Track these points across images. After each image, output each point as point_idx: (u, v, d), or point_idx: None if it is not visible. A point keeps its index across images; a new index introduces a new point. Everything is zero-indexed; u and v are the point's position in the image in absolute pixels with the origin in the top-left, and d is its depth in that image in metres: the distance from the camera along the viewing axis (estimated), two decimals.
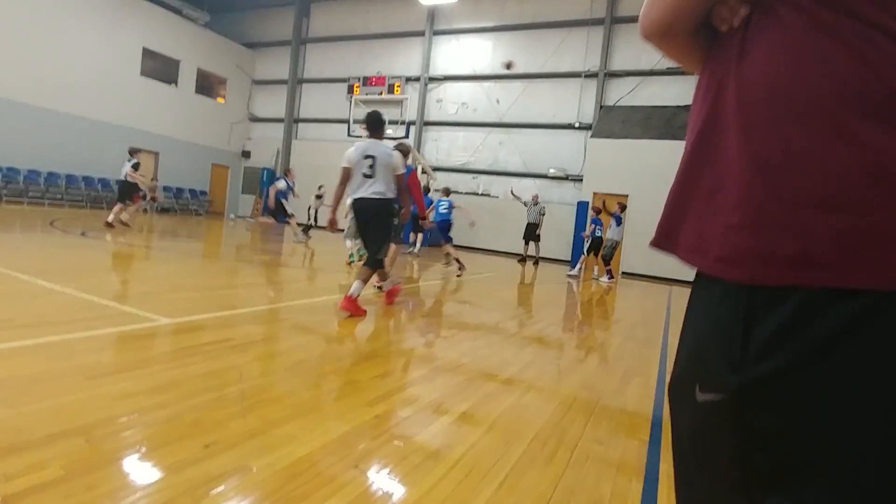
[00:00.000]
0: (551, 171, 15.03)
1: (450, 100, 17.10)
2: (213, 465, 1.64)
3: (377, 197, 4.30)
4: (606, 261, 10.72)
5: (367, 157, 4.31)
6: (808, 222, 0.60)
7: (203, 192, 19.58)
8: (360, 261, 9.78)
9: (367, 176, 4.30)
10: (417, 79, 17.46)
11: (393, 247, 5.98)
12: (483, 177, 16.37)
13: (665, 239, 0.77)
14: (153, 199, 16.62)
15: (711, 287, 0.69)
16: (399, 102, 16.66)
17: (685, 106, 12.62)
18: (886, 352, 0.58)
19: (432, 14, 17.29)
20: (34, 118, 14.45)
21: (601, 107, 14.53)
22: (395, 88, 17.02)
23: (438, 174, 16.39)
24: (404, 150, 6.01)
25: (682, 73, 11.69)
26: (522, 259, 12.92)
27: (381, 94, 17.01)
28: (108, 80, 16.15)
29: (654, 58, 13.39)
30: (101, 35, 15.87)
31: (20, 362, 2.33)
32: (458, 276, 8.70)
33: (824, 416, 0.60)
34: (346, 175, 4.36)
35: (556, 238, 14.19)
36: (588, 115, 14.78)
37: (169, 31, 18.01)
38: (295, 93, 20.17)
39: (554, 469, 1.91)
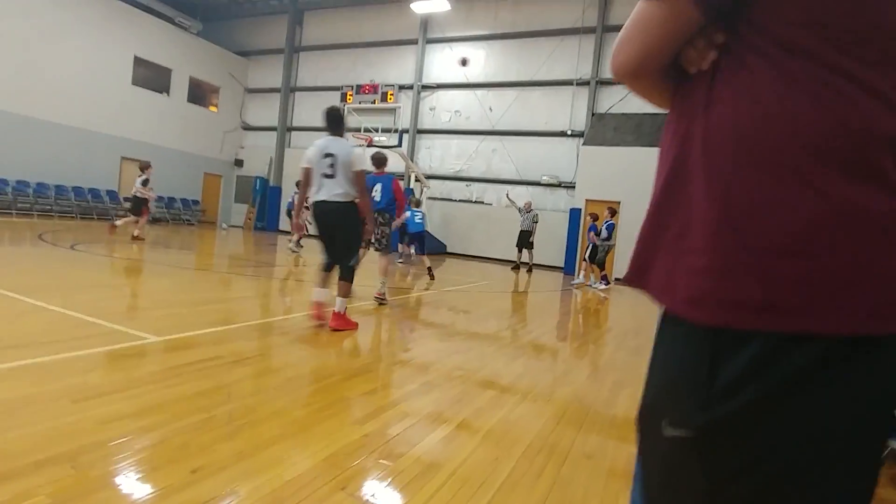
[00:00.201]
0: (544, 178, 15.10)
1: (443, 108, 17.16)
2: (199, 491, 1.63)
3: (340, 200, 4.02)
4: (601, 266, 10.77)
5: (327, 155, 4.03)
6: (772, 268, 0.61)
7: (195, 202, 19.51)
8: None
9: (327, 176, 4.03)
10: (410, 87, 17.52)
11: (387, 257, 5.97)
12: (476, 184, 16.42)
13: (637, 276, 0.78)
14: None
15: (678, 326, 0.70)
16: (392, 111, 16.70)
17: None
18: (845, 395, 0.60)
19: (425, 22, 17.38)
20: (24, 128, 14.36)
21: (593, 114, 14.63)
22: (389, 97, 17.05)
23: (432, 182, 16.43)
24: (380, 159, 5.97)
25: None
26: (516, 266, 12.94)
27: (374, 102, 17.04)
28: (99, 90, 16.08)
29: None
30: (92, 44, 15.81)
31: (5, 386, 2.32)
32: (430, 279, 8.85)
33: (787, 456, 0.62)
34: (308, 176, 4.12)
35: (550, 245, 14.24)
36: (580, 122, 14.87)
37: (161, 39, 17.97)
38: (288, 101, 20.18)
39: (543, 483, 1.92)
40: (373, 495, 1.75)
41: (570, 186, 14.62)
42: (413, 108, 17.39)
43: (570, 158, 14.87)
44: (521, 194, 14.72)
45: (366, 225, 4.31)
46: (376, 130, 15.50)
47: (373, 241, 5.79)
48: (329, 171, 4.02)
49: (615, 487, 1.97)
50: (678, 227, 0.71)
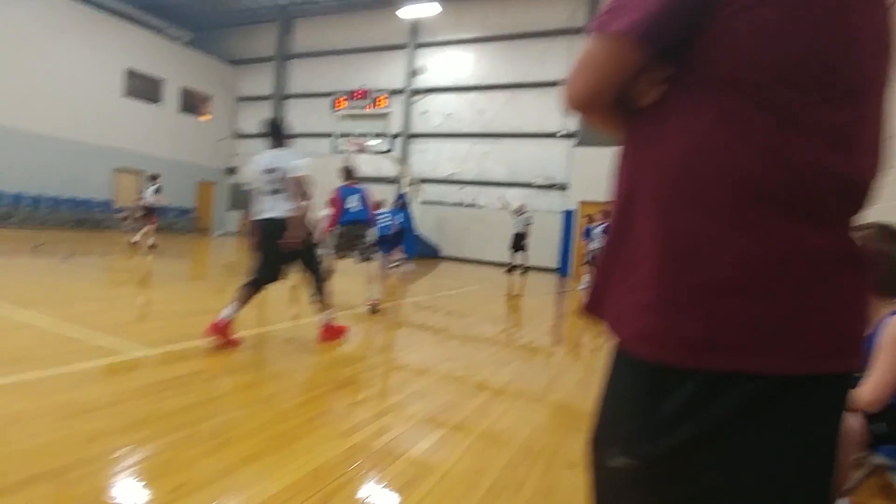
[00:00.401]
0: (537, 179, 15.15)
1: (435, 111, 17.20)
2: None
3: (282, 217, 3.69)
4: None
5: (271, 170, 3.72)
6: (711, 307, 0.62)
7: (189, 210, 19.50)
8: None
9: (272, 192, 3.72)
10: (402, 91, 17.56)
11: (376, 263, 5.98)
12: (470, 187, 16.45)
13: (595, 306, 0.80)
14: (137, 219, 16.52)
15: (627, 358, 0.71)
16: (384, 115, 16.73)
17: None
18: (785, 432, 0.61)
19: (415, 27, 17.44)
20: (18, 141, 14.37)
21: None
22: (380, 101, 17.08)
23: (425, 186, 16.46)
24: (351, 170, 5.97)
25: None
26: (510, 269, 12.96)
27: (365, 107, 17.06)
28: (92, 102, 16.14)
29: None
30: (84, 57, 15.88)
31: None
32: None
33: (728, 490, 0.63)
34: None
35: (544, 247, 14.27)
36: (572, 123, 14.93)
37: (152, 50, 18.04)
38: (279, 109, 20.19)
39: (525, 494, 1.94)
40: None
41: (564, 187, 14.67)
42: (405, 113, 17.44)
43: (563, 159, 14.92)
44: (515, 196, 14.76)
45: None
46: (368, 136, 15.52)
47: (336, 250, 5.83)
48: (274, 187, 3.71)
49: None
50: (628, 260, 0.72)
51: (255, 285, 3.75)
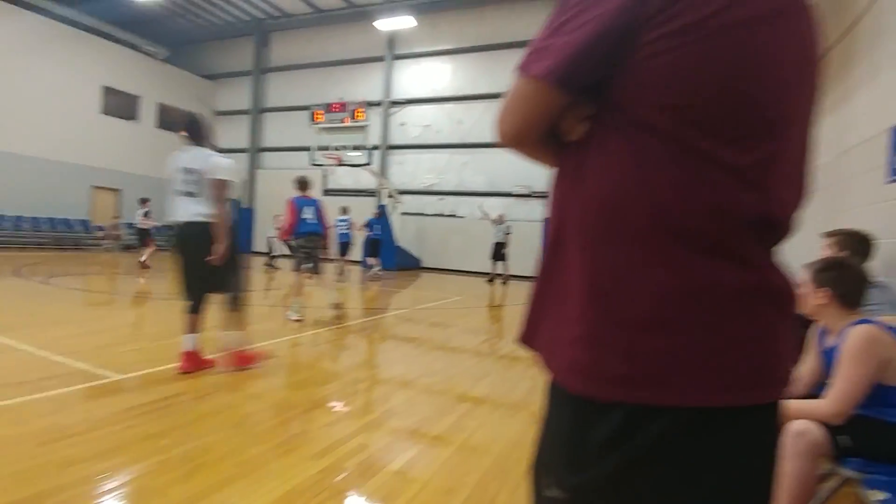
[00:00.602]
0: (516, 188, 15.30)
1: (413, 123, 17.29)
2: None
3: (197, 220, 3.43)
4: None
5: (187, 170, 3.48)
6: (632, 342, 0.64)
7: (168, 227, 19.26)
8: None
9: (188, 194, 3.48)
10: (379, 103, 17.63)
11: (322, 279, 6.01)
12: (449, 198, 16.54)
13: (528, 337, 0.81)
14: (116, 237, 16.30)
15: (558, 390, 0.73)
16: (362, 128, 16.79)
17: None
18: (704, 463, 0.63)
19: (391, 39, 17.55)
20: None
21: None
22: (358, 114, 17.15)
23: (405, 197, 16.50)
24: (305, 182, 6.01)
25: None
26: (491, 279, 13.04)
27: (343, 120, 17.11)
28: (69, 120, 16.00)
29: None
30: (61, 76, 15.77)
31: None
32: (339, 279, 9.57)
33: None
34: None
35: (524, 256, 14.38)
36: None
37: (128, 67, 17.94)
38: (257, 122, 20.12)
39: None
40: None
41: (543, 196, 14.83)
42: (383, 124, 17.50)
43: (542, 168, 15.07)
44: (495, 206, 14.88)
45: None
46: (346, 148, 15.55)
47: (296, 263, 5.91)
48: (189, 188, 3.46)
49: None
50: (559, 293, 0.74)
51: (195, 310, 3.58)
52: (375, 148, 17.15)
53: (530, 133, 0.75)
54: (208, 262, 3.45)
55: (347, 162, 15.43)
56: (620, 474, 0.65)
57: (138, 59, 18.43)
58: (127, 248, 16.89)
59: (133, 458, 2.21)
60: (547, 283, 0.77)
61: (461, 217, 16.23)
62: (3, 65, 14.29)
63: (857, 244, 2.47)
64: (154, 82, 18.75)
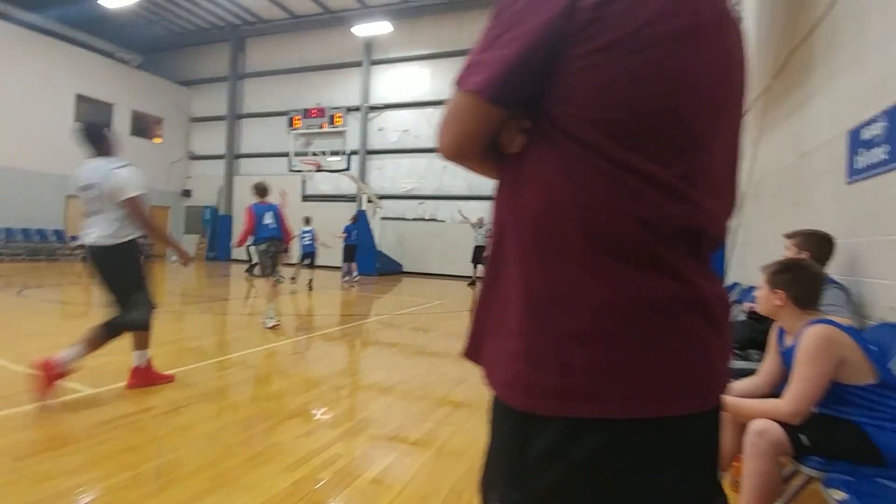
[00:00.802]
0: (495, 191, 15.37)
1: (392, 127, 17.29)
2: None
3: (107, 243, 3.14)
4: None
5: (86, 186, 3.15)
6: (568, 355, 0.64)
7: (143, 236, 18.91)
8: (282, 283, 9.95)
9: (92, 212, 3.16)
10: (358, 108, 17.59)
11: (272, 281, 6.02)
12: (429, 202, 16.56)
13: (472, 351, 0.81)
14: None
15: (501, 404, 0.73)
16: (341, 133, 16.71)
17: None
18: (639, 475, 0.63)
19: (369, 45, 17.54)
20: None
21: None
22: (336, 119, 17.08)
23: (385, 202, 16.48)
24: (263, 189, 6.07)
25: None
26: (473, 282, 13.08)
27: (321, 126, 17.02)
28: (42, 130, 15.66)
29: None
30: (34, 85, 15.47)
31: None
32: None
33: None
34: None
35: None
36: None
37: (101, 75, 17.61)
38: (234, 128, 19.91)
39: None
40: None
41: None
42: (362, 130, 17.46)
43: None
44: (474, 209, 14.93)
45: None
46: (325, 154, 15.46)
47: (262, 269, 5.98)
48: (91, 207, 3.14)
49: None
50: (500, 306, 0.74)
51: (144, 325, 3.39)
52: (354, 153, 17.09)
53: (470, 146, 0.75)
54: (121, 282, 3.24)
55: (326, 168, 15.33)
56: (559, 489, 0.65)
57: (112, 67, 18.11)
58: None
59: (106, 472, 2.20)
60: (489, 296, 0.77)
61: (441, 221, 16.26)
62: None
63: (817, 244, 2.54)
64: (128, 89, 18.43)
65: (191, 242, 20.22)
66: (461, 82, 0.70)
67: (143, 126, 19.41)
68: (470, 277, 13.30)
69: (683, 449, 0.64)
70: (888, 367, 1.78)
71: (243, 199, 18.91)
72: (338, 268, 13.73)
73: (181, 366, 4.09)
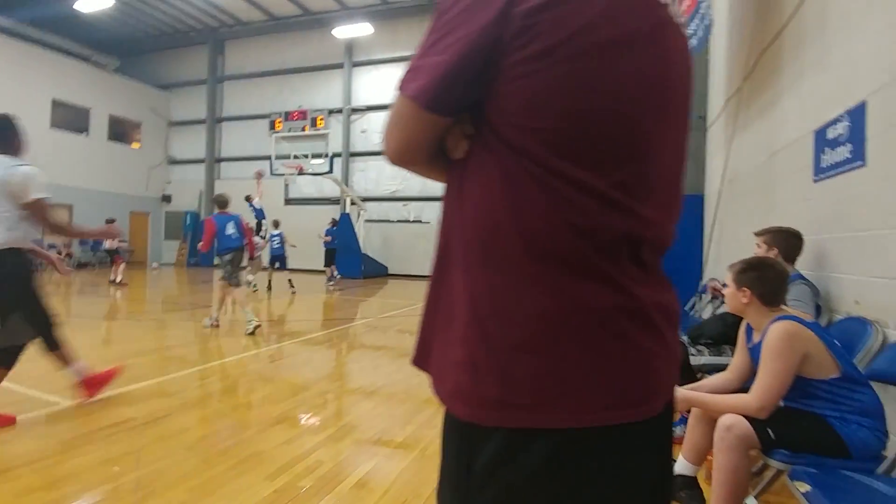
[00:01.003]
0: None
1: (374, 129, 17.23)
2: None
3: (7, 248, 2.77)
4: None
5: None
6: (508, 365, 0.63)
7: (123, 242, 18.65)
8: (254, 291, 10.17)
9: None
10: (340, 111, 17.53)
11: (238, 290, 6.04)
12: (414, 203, 16.56)
13: (421, 360, 0.79)
14: (68, 255, 15.68)
15: (449, 415, 0.72)
16: (323, 136, 16.66)
17: None
18: (582, 485, 0.63)
19: (350, 47, 17.49)
20: None
21: None
22: (318, 122, 17.02)
23: (369, 204, 16.44)
24: (223, 201, 6.16)
25: None
26: None
27: (304, 128, 16.94)
28: None
29: None
30: (8, 90, 15.09)
31: None
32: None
33: None
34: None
35: None
36: None
37: (78, 79, 17.33)
38: (215, 132, 19.70)
39: None
40: None
41: None
42: (344, 132, 17.40)
43: None
44: None
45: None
46: (307, 157, 15.39)
47: (228, 278, 6.04)
48: None
49: None
50: (446, 314, 0.71)
51: (52, 347, 3.04)
52: (337, 155, 17.04)
53: (414, 152, 0.74)
54: (24, 294, 2.87)
55: (309, 171, 15.26)
56: (503, 501, 0.64)
57: (88, 71, 17.82)
58: (81, 266, 16.28)
59: (85, 485, 2.19)
60: (436, 303, 0.75)
61: (426, 222, 16.26)
62: None
63: (786, 241, 2.61)
64: (105, 94, 18.15)
65: (172, 248, 19.98)
66: (402, 87, 0.69)
67: (121, 131, 19.12)
68: None
69: (626, 457, 0.64)
70: (852, 361, 1.84)
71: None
72: (320, 271, 13.68)
73: (163, 375, 4.06)
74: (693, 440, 2.08)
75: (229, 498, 2.10)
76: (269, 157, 16.82)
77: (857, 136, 2.37)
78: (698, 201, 6.37)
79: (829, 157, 2.67)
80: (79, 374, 3.18)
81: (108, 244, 12.07)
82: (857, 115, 2.38)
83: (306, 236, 13.35)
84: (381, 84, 17.21)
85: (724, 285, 2.05)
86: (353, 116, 17.53)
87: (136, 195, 19.35)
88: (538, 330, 0.62)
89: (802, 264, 2.67)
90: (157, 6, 17.31)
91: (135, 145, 19.77)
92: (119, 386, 3.59)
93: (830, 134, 2.66)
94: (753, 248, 2.72)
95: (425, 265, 15.84)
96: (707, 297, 4.53)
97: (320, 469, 2.41)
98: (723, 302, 2.69)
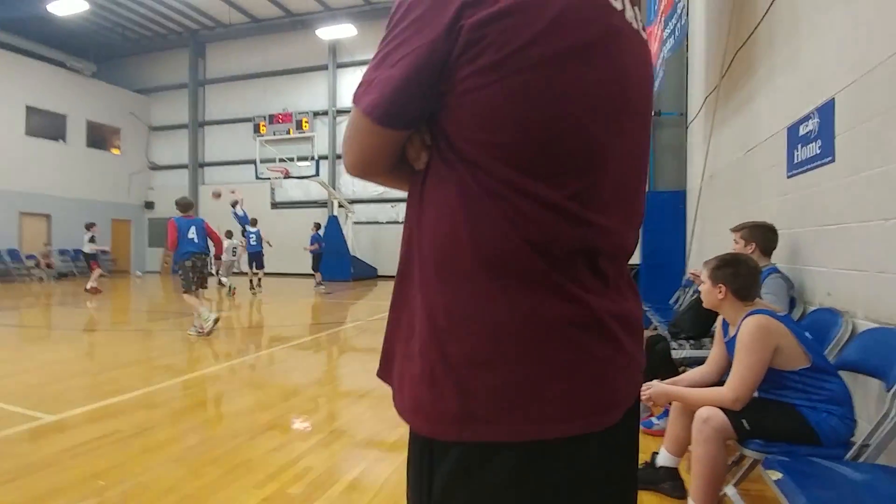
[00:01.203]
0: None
1: None
2: None
3: None
4: None
5: None
6: (464, 379, 0.62)
7: (104, 251, 18.38)
8: (233, 295, 10.26)
9: None
10: (325, 113, 17.46)
11: (194, 295, 6.06)
12: (402, 204, 16.48)
13: (384, 373, 0.77)
14: (48, 265, 15.44)
15: (411, 430, 0.72)
16: (308, 138, 16.57)
17: None
18: (543, 498, 0.62)
19: (333, 48, 17.42)
20: None
21: None
22: (303, 124, 16.92)
23: (357, 206, 16.40)
24: (186, 204, 6.18)
25: None
26: None
27: (289, 131, 16.83)
28: None
29: None
30: None
31: None
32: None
33: None
34: None
35: None
36: None
37: (53, 85, 17.04)
38: (197, 136, 19.50)
39: None
40: None
41: None
42: (330, 134, 17.34)
43: None
44: None
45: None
46: (293, 160, 15.31)
47: (187, 284, 6.01)
48: None
49: None
50: (407, 326, 0.71)
51: None
52: (323, 158, 16.96)
53: (372, 165, 0.73)
54: None
55: (295, 174, 15.17)
56: None
57: (64, 76, 17.51)
58: (61, 276, 16.03)
59: (70, 501, 2.16)
60: (398, 316, 0.74)
61: None
62: None
63: (762, 235, 2.68)
64: (81, 99, 17.85)
65: (156, 256, 19.74)
66: (356, 100, 0.68)
67: (100, 137, 18.85)
68: None
69: (586, 467, 0.64)
70: (822, 352, 1.90)
71: (210, 209, 18.59)
72: (309, 275, 13.63)
73: (149, 385, 4.02)
74: (674, 433, 2.13)
75: None
76: (253, 161, 16.70)
77: (826, 132, 2.43)
78: (681, 197, 6.45)
79: (802, 153, 2.74)
80: None
81: (87, 248, 11.92)
82: (825, 113, 2.44)
83: (294, 241, 13.31)
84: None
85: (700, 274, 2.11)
86: (339, 118, 17.46)
87: (118, 202, 19.08)
88: (494, 344, 0.62)
89: (778, 258, 2.74)
90: (134, 9, 17.06)
91: (115, 151, 19.51)
92: (104, 398, 3.57)
93: (802, 130, 2.72)
94: (732, 244, 2.78)
95: None
96: (690, 290, 4.60)
97: (310, 474, 2.41)
98: (697, 290, 2.75)
